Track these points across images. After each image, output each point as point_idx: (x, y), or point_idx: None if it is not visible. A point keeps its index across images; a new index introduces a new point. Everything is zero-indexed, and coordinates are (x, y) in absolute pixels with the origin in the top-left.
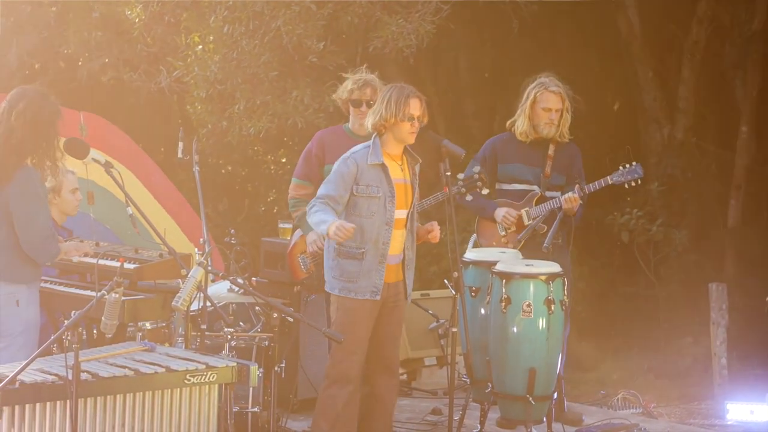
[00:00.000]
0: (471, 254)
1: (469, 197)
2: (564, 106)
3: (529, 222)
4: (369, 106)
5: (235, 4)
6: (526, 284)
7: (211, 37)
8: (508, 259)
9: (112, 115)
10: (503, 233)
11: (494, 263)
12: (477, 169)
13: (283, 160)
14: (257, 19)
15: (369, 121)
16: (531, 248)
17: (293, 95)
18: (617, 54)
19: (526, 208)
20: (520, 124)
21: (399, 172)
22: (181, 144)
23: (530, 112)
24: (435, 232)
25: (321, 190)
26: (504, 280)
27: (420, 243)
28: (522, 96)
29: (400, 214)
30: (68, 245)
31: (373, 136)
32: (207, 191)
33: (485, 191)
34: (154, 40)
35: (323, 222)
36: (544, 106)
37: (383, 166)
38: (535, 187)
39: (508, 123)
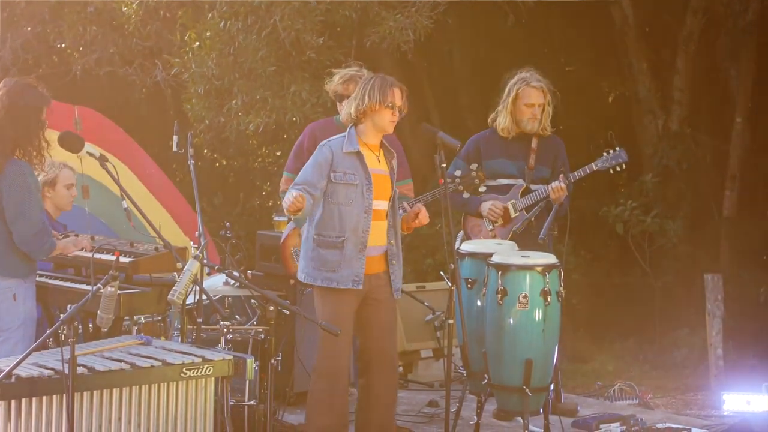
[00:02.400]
0: (467, 246)
1: (465, 195)
2: (546, 100)
3: (516, 214)
4: None
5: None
6: (522, 276)
7: (208, 33)
8: (504, 250)
9: (107, 109)
10: (490, 227)
11: (490, 255)
12: (474, 166)
13: (278, 153)
14: (254, 14)
15: (351, 108)
16: (525, 239)
17: (291, 91)
18: (612, 45)
19: (512, 201)
20: (501, 120)
21: (376, 163)
22: (176, 137)
23: (512, 108)
24: (422, 213)
25: (298, 177)
26: (500, 272)
27: (412, 230)
28: (503, 92)
29: (380, 205)
30: (65, 242)
31: (349, 126)
32: (202, 185)
33: (482, 188)
34: (149, 35)
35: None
36: (526, 102)
37: (359, 154)
38: (520, 181)
39: (489, 119)
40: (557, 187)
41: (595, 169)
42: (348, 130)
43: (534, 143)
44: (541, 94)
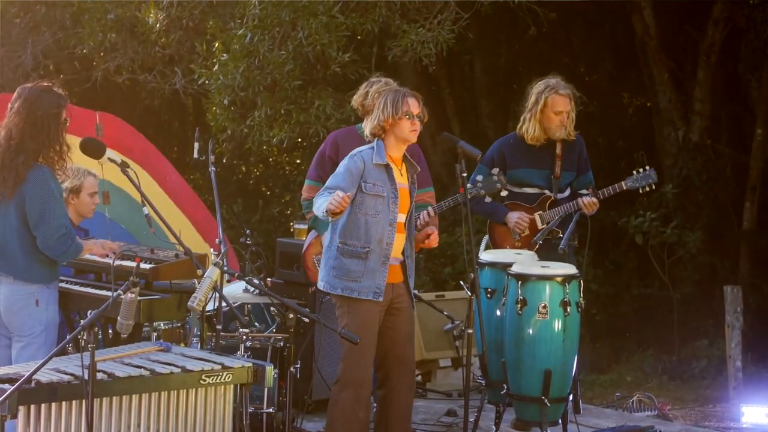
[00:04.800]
0: (486, 256)
1: (488, 199)
2: (571, 106)
3: (543, 226)
4: None
5: (262, 12)
6: (541, 286)
7: (237, 47)
8: (523, 260)
9: (127, 115)
10: (517, 238)
11: (510, 265)
12: (495, 170)
13: (298, 161)
14: (279, 26)
15: (367, 128)
16: (546, 250)
17: (315, 105)
18: (633, 56)
19: (539, 212)
20: (529, 128)
21: (400, 177)
22: (197, 144)
23: (541, 117)
24: (433, 236)
25: (329, 182)
26: (520, 282)
27: (417, 250)
28: (529, 99)
29: (401, 218)
30: (92, 242)
31: (376, 139)
32: (222, 192)
33: (504, 193)
34: (169, 42)
35: (324, 202)
36: (556, 110)
37: (387, 167)
38: (546, 191)
39: (518, 129)
40: (590, 203)
41: (624, 188)
42: (375, 142)
43: (558, 149)
44: (568, 100)
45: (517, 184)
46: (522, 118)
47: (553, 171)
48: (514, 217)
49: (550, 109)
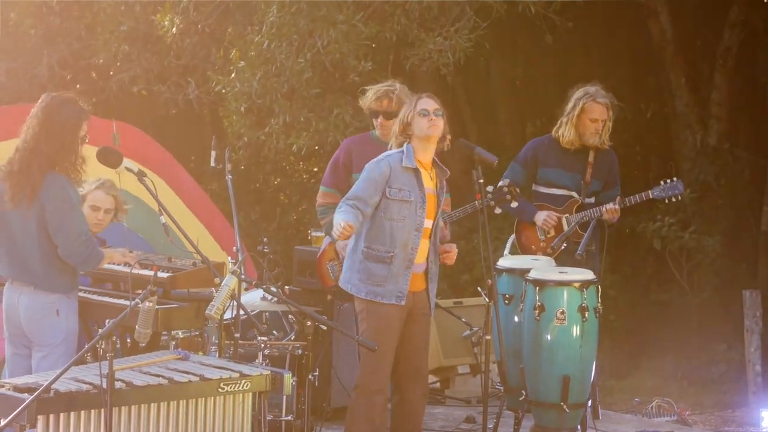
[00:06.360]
0: (504, 262)
1: (497, 210)
2: (608, 115)
3: (568, 228)
4: (385, 117)
5: (280, 20)
6: (559, 292)
7: (254, 53)
8: (541, 266)
9: (143, 124)
10: (543, 237)
11: (527, 271)
12: (506, 182)
13: (315, 169)
14: (296, 34)
15: (392, 139)
16: (564, 255)
17: (334, 113)
18: (649, 60)
19: (567, 215)
20: (565, 133)
21: (429, 181)
22: (213, 153)
23: (577, 122)
24: (451, 253)
25: (351, 192)
26: (537, 288)
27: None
28: (568, 104)
29: (428, 223)
30: (112, 250)
31: (405, 143)
32: (238, 200)
33: (514, 204)
34: (183, 52)
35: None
36: (592, 117)
37: (416, 171)
38: (574, 194)
39: (553, 130)
40: (612, 210)
41: (651, 197)
42: (405, 146)
43: (591, 156)
44: (605, 109)
45: (546, 184)
46: (559, 121)
47: (583, 176)
48: (542, 216)
49: (586, 115)
